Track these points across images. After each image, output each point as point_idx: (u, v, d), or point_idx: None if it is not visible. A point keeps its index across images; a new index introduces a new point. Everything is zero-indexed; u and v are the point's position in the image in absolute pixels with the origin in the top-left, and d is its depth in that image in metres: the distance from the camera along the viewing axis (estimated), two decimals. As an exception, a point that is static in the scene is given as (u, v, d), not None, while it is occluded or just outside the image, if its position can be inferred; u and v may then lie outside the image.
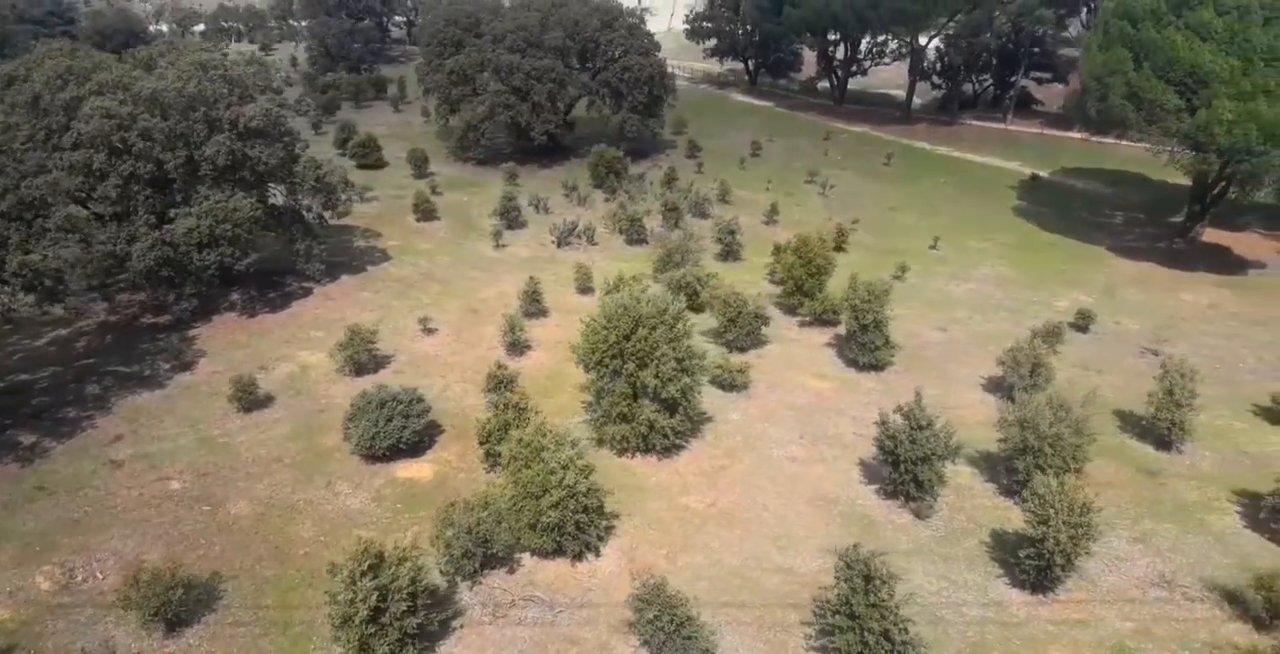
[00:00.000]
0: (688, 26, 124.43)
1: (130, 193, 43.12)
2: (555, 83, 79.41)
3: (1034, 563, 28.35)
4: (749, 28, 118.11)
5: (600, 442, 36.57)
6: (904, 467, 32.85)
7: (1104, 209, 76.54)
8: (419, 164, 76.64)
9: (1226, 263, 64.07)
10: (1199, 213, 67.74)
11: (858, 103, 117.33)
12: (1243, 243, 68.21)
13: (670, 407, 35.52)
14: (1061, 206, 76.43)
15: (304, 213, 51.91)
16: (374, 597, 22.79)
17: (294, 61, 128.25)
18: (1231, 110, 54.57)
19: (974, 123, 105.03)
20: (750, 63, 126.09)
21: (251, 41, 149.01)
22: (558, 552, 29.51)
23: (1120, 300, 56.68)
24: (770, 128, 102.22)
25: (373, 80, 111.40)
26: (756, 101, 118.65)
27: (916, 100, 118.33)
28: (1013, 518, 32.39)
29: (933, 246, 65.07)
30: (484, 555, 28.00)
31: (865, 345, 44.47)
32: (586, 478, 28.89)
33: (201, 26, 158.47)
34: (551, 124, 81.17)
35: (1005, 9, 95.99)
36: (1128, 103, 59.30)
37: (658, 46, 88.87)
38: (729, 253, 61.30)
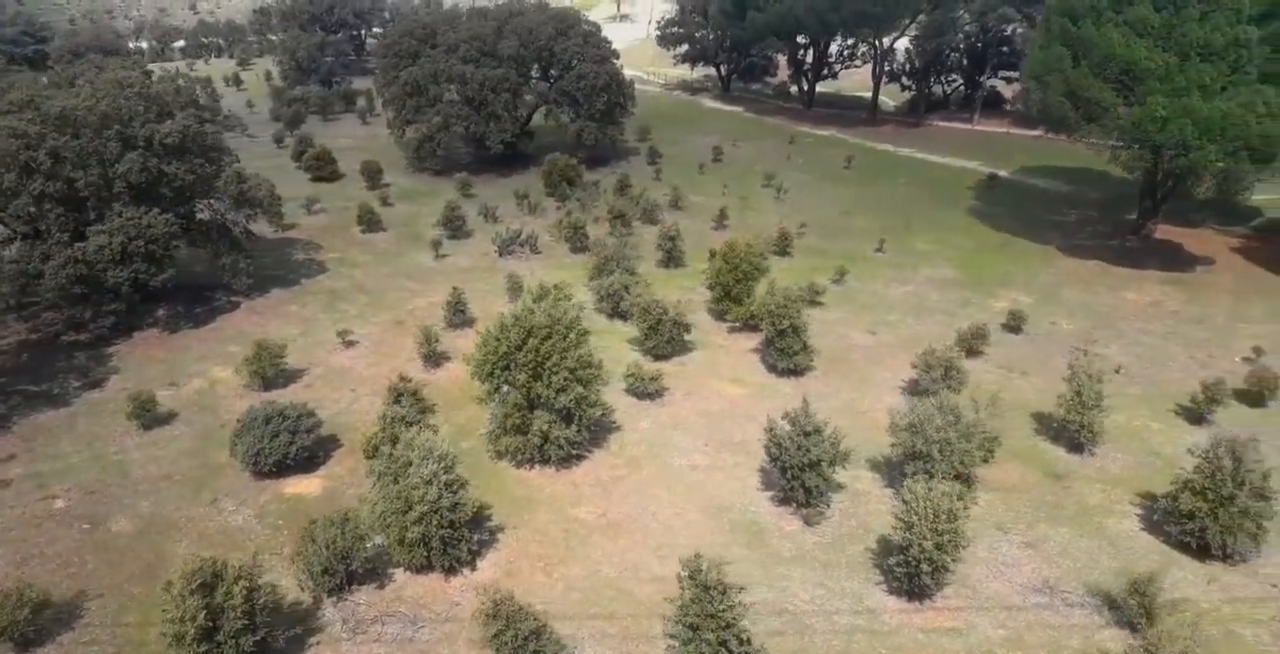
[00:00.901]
0: (658, 33, 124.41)
1: (43, 211, 43.19)
2: (510, 92, 79.45)
3: (902, 570, 27.98)
4: (720, 33, 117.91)
5: (499, 454, 36.38)
6: (790, 473, 32.57)
7: (1060, 207, 75.93)
8: (372, 176, 76.78)
9: (1176, 260, 63.39)
10: (1150, 209, 67.18)
11: (829, 106, 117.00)
12: (1196, 240, 67.48)
13: (566, 417, 35.27)
14: (1017, 206, 75.86)
15: (231, 227, 51.83)
16: (202, 615, 22.59)
17: (268, 76, 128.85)
18: (1165, 106, 54.03)
19: (941, 123, 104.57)
20: (722, 68, 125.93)
21: (231, 57, 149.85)
22: (429, 567, 29.26)
23: (1061, 300, 56.14)
24: (736, 133, 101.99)
25: (342, 93, 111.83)
26: (726, 107, 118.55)
27: (891, 103, 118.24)
28: (903, 524, 32.00)
29: (878, 249, 64.61)
30: (346, 571, 27.75)
31: (783, 351, 44.17)
32: (454, 493, 28.64)
33: (182, 42, 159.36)
34: (507, 134, 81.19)
35: (969, 7, 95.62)
36: (1066, 100, 58.85)
37: (616, 54, 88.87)
38: (670, 259, 61.01)
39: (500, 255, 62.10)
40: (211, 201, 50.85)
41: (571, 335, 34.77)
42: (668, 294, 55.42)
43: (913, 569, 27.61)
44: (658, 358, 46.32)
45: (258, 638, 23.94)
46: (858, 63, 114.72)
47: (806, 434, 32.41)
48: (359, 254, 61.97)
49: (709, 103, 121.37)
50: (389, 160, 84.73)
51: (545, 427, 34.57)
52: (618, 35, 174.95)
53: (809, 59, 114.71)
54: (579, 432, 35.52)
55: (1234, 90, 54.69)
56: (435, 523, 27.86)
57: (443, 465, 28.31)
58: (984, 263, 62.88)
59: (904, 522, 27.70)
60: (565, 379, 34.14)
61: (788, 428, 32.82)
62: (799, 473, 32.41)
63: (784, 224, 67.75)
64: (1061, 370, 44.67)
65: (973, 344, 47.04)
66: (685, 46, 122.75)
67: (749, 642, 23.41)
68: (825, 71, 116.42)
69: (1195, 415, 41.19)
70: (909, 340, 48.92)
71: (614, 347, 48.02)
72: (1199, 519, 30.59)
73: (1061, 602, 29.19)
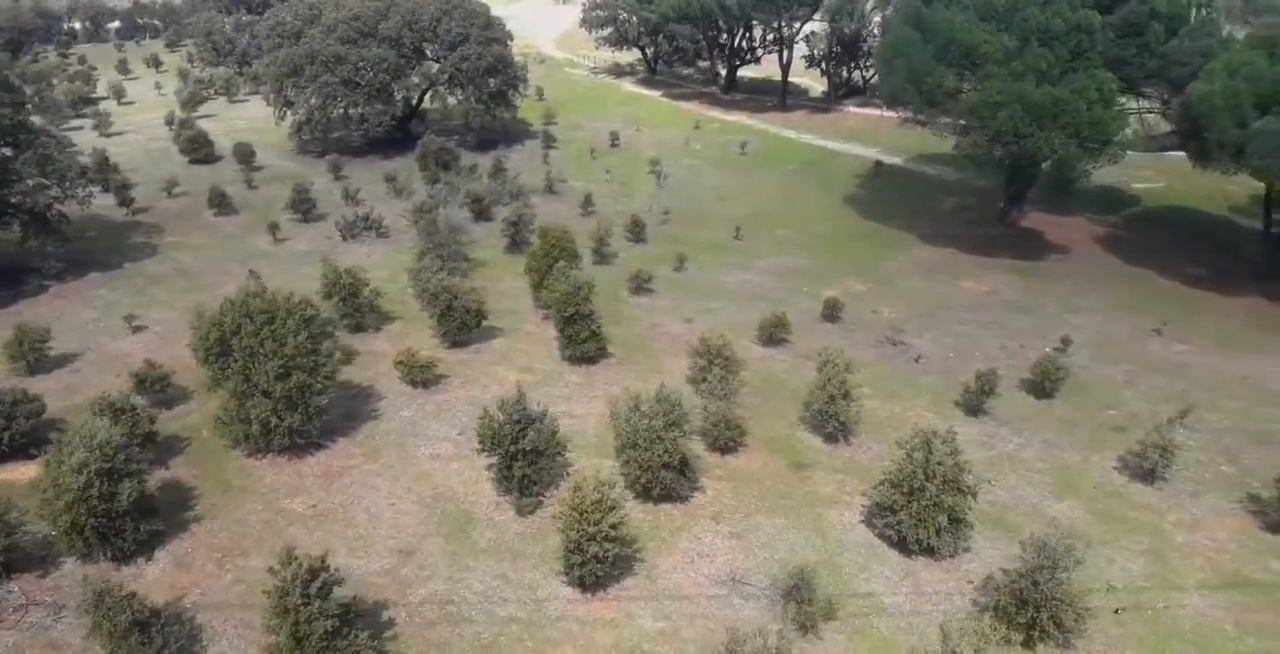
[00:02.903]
0: (582, 16, 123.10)
1: None
2: (388, 73, 78.41)
3: (566, 560, 27.52)
4: (637, 16, 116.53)
5: (235, 442, 35.71)
6: (502, 462, 32.05)
7: (940, 195, 75.19)
8: (245, 158, 75.74)
9: (1031, 249, 62.78)
10: (1014, 197, 66.51)
11: (751, 91, 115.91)
12: (1062, 228, 66.82)
13: (291, 405, 34.54)
14: (897, 193, 75.09)
15: (43, 210, 50.92)
16: None
17: (189, 57, 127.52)
18: (1001, 92, 53.31)
19: (854, 110, 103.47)
20: (648, 51, 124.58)
21: (164, 38, 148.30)
22: (91, 556, 28.69)
23: (895, 288, 55.55)
24: (645, 117, 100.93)
25: (252, 75, 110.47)
26: (646, 91, 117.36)
27: (820, 88, 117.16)
28: (612, 515, 31.38)
29: (736, 237, 63.86)
30: (-7, 558, 27.18)
31: (571, 338, 43.51)
32: (114, 482, 28.00)
33: (117, 23, 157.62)
34: (388, 116, 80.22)
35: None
36: (909, 85, 58.04)
37: (510, 36, 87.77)
38: (515, 244, 60.21)
39: (344, 239, 61.25)
40: (15, 184, 49.83)
41: (291, 321, 33.99)
42: (504, 280, 55.24)
43: (573, 559, 27.11)
44: (455, 344, 45.67)
45: None
46: (777, 49, 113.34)
47: (516, 422, 31.83)
48: (199, 237, 61.11)
49: (629, 87, 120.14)
50: (274, 142, 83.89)
51: (265, 415, 33.86)
52: (559, 18, 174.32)
53: (730, 44, 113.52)
54: (307, 421, 34.78)
55: (1073, 76, 53.95)
56: (84, 511, 27.23)
57: (98, 454, 27.61)
58: (837, 251, 62.22)
59: (562, 513, 27.17)
60: (283, 366, 33.40)
61: (499, 416, 32.25)
62: (509, 462, 31.89)
63: (652, 210, 67.22)
64: (860, 360, 44.39)
65: (774, 332, 46.47)
66: (609, 30, 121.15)
67: (334, 635, 22.82)
68: (748, 56, 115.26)
69: (972, 407, 40.67)
70: (723, 329, 47.97)
71: (416, 332, 47.43)
72: (898, 512, 30.11)
73: (740, 595, 28.65)
